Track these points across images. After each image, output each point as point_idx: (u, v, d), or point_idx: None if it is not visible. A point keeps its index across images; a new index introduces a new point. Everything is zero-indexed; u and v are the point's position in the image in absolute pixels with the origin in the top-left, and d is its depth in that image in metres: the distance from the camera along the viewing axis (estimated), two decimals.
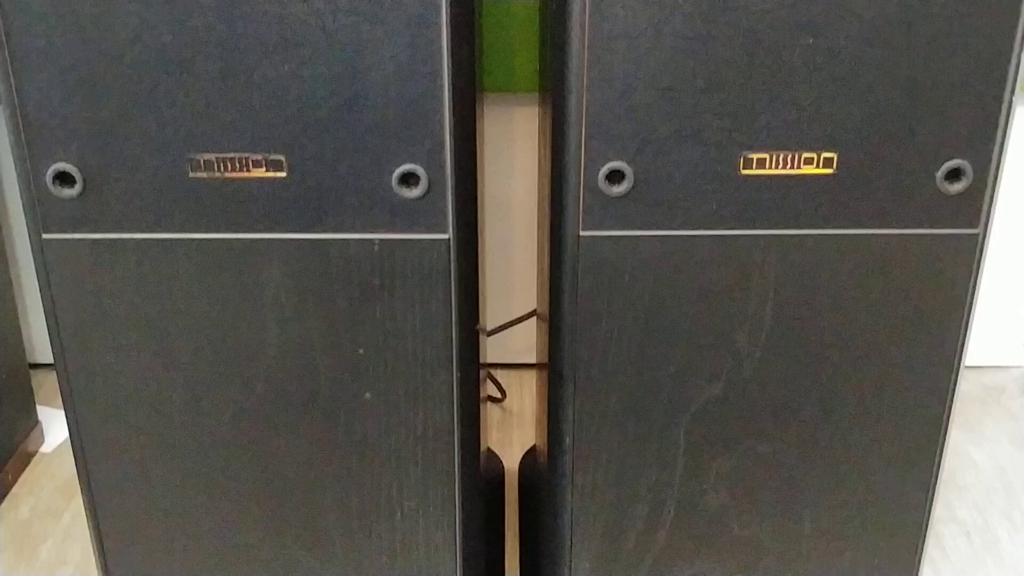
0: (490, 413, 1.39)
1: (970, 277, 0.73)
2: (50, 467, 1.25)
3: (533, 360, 1.43)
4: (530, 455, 1.27)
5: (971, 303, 0.74)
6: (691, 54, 0.66)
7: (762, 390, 0.77)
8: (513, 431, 1.35)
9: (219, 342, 0.74)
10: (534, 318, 1.29)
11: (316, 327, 0.73)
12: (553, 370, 0.78)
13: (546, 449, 0.88)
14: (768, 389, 0.77)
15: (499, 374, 1.43)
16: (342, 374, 0.75)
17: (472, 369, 0.77)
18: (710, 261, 0.72)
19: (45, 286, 0.72)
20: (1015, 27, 0.66)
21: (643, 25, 0.66)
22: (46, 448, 1.29)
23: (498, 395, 1.41)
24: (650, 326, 0.74)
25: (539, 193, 1.01)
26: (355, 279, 0.72)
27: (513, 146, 1.34)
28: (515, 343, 1.44)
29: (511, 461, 1.28)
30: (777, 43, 0.66)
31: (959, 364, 0.76)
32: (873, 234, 0.72)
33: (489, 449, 1.27)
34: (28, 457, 1.26)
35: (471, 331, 0.76)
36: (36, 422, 1.29)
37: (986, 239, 0.72)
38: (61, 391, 0.76)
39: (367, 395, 0.76)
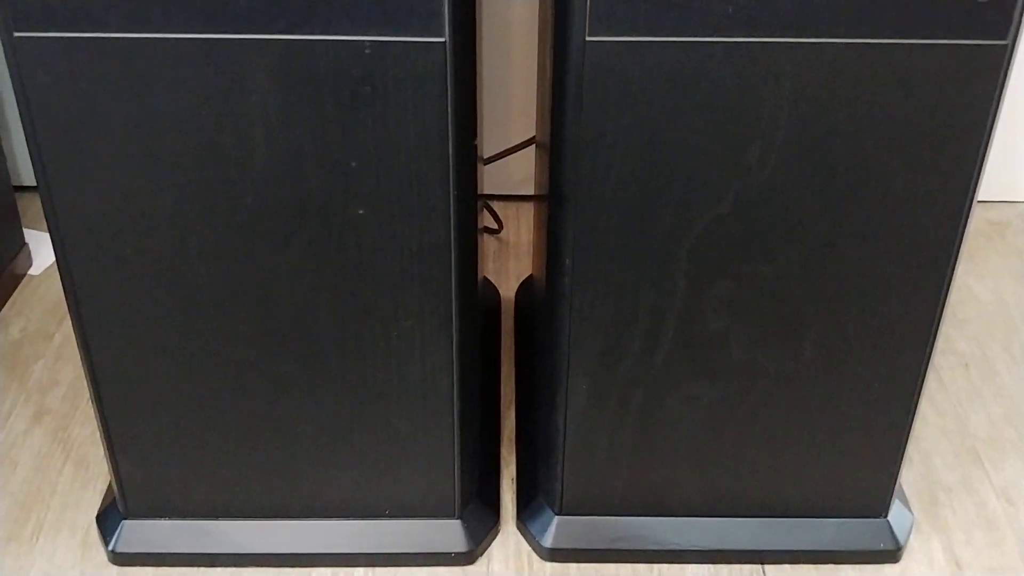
0: (486, 244, 1.37)
1: (994, 92, 0.70)
2: (39, 290, 1.24)
3: (531, 192, 1.40)
4: (527, 284, 1.25)
5: (993, 122, 0.71)
6: None
7: (769, 211, 0.74)
8: (509, 262, 1.33)
9: (204, 150, 0.70)
10: (532, 147, 1.25)
11: (305, 136, 0.70)
12: (553, 190, 0.75)
13: (544, 275, 0.86)
14: (775, 210, 0.74)
15: (496, 205, 1.40)
16: (333, 187, 0.72)
17: (469, 185, 0.74)
18: (723, 71, 0.68)
19: (20, 90, 0.68)
20: None
21: None
22: (34, 271, 1.27)
23: (495, 226, 1.39)
24: (656, 142, 0.71)
25: (540, 4, 0.96)
26: (345, 84, 0.68)
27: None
28: (513, 173, 1.41)
29: (507, 291, 1.27)
30: None
31: (974, 192, 0.74)
32: (896, 43, 0.67)
33: (485, 278, 1.25)
34: (16, 280, 1.24)
35: (468, 145, 0.73)
36: (23, 244, 1.26)
37: (1015, 51, 0.68)
38: (43, 205, 0.73)
39: (360, 211, 0.73)
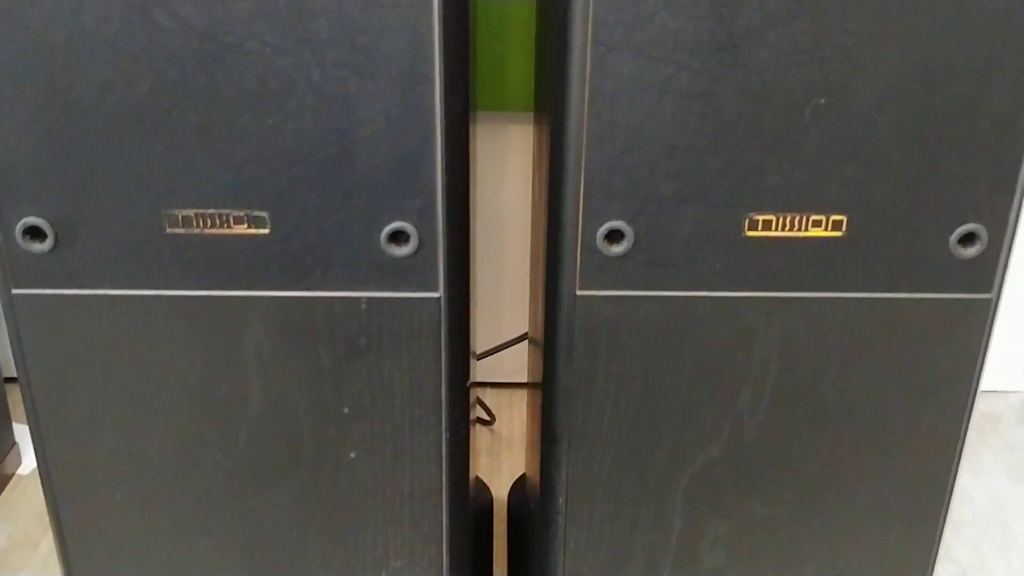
0: (479, 437, 1.36)
1: (981, 341, 0.71)
2: (27, 491, 1.22)
3: (524, 379, 1.40)
4: (520, 485, 1.24)
5: (980, 368, 0.72)
6: (697, 112, 0.63)
7: (763, 452, 0.74)
8: (503, 455, 1.32)
9: (199, 400, 0.71)
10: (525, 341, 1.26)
11: (299, 386, 0.70)
12: (547, 430, 0.75)
13: (538, 482, 0.85)
14: (769, 451, 0.74)
15: (488, 394, 1.40)
16: (326, 432, 0.72)
17: (462, 428, 0.74)
18: (712, 323, 0.69)
19: (16, 342, 0.69)
20: None
21: (647, 82, 0.62)
22: (23, 470, 1.25)
23: (487, 418, 1.38)
24: (649, 387, 0.72)
25: (533, 224, 0.98)
26: (341, 337, 0.69)
27: (506, 161, 1.31)
28: (506, 364, 1.41)
29: (500, 489, 1.25)
30: (787, 102, 0.63)
31: (965, 430, 0.74)
32: (882, 298, 0.69)
33: (478, 478, 1.24)
34: (4, 480, 1.22)
35: (461, 389, 0.73)
36: (13, 443, 1.25)
37: (999, 304, 0.69)
38: (35, 448, 0.73)
39: (352, 454, 0.73)
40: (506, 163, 1.30)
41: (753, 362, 0.71)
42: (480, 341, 1.31)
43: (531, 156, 1.29)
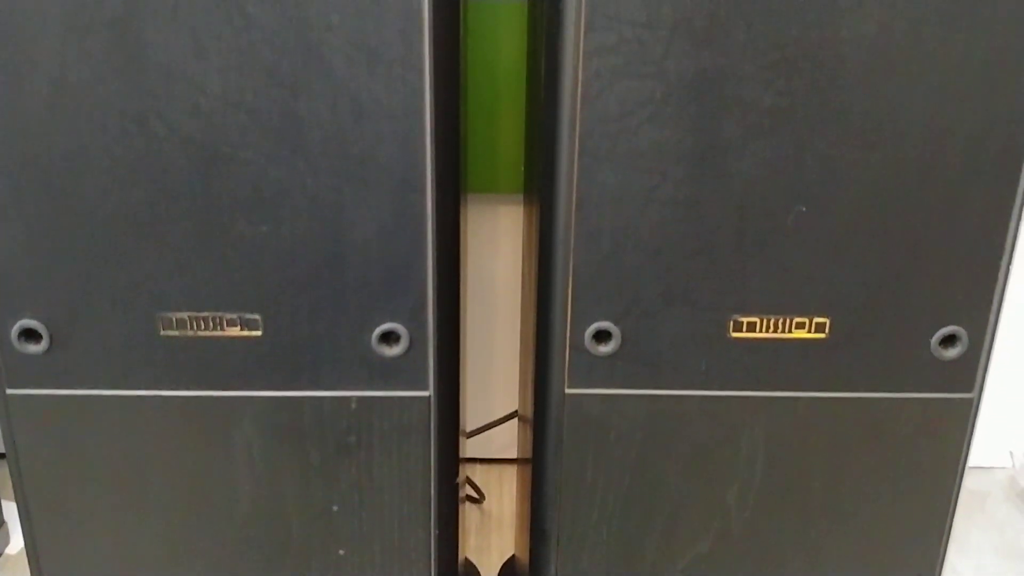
0: (468, 515, 1.36)
1: (964, 439, 0.72)
2: (15, 571, 1.21)
3: (514, 455, 1.40)
4: (509, 568, 1.24)
5: (963, 464, 0.73)
6: (681, 218, 0.65)
7: (751, 547, 0.75)
8: (492, 535, 1.32)
9: (190, 497, 0.71)
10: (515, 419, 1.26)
11: (289, 484, 0.71)
12: (536, 528, 0.75)
13: (527, 566, 0.85)
14: (757, 546, 0.75)
15: (478, 470, 1.40)
16: (316, 529, 0.72)
17: (451, 524, 0.75)
18: (699, 421, 0.70)
19: (9, 441, 0.69)
20: (1012, 194, 0.65)
21: (633, 189, 0.64)
22: (11, 549, 1.24)
23: (476, 496, 1.38)
24: (637, 484, 0.72)
25: (523, 302, 0.99)
26: (331, 436, 0.69)
27: (496, 241, 1.32)
28: (495, 439, 1.42)
29: (490, 569, 1.25)
30: (769, 209, 0.64)
31: (949, 525, 0.75)
32: (866, 397, 0.70)
33: (467, 559, 1.24)
34: None
35: (450, 486, 0.74)
36: (1, 522, 1.24)
37: (980, 403, 0.71)
38: (25, 545, 0.73)
39: (341, 551, 0.73)
40: (497, 240, 1.32)
41: (740, 459, 0.72)
42: (470, 418, 1.32)
43: (521, 235, 1.31)
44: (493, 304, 1.34)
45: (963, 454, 0.72)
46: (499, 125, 1.23)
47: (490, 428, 1.31)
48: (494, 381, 1.38)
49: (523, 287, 0.95)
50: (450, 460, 0.73)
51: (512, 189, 1.24)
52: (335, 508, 0.72)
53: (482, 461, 1.44)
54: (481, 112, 1.21)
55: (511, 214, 1.30)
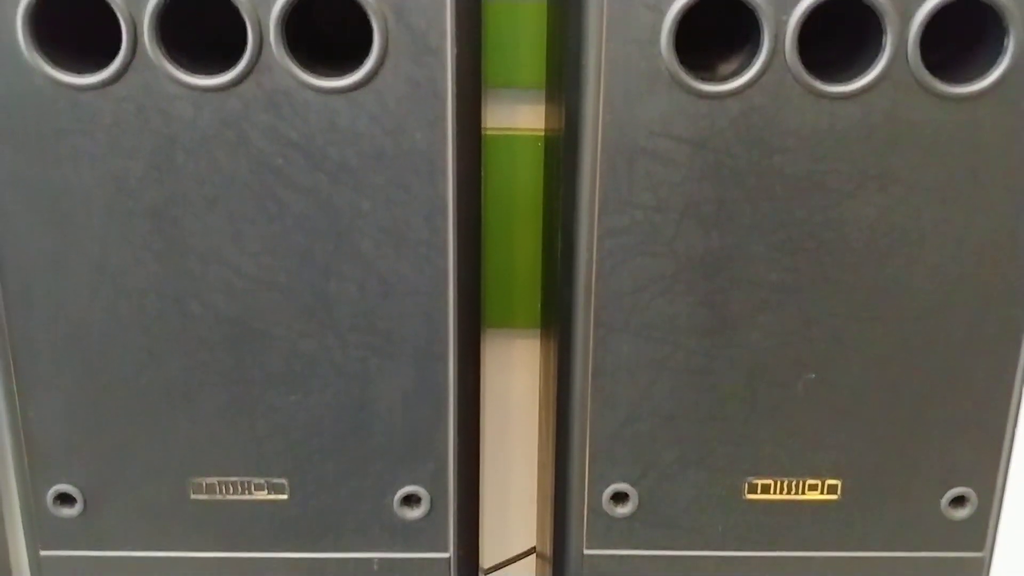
0: None
1: None
2: None
3: None
4: None
5: None
6: (694, 386, 0.67)
7: None
8: None
9: None
10: (532, 556, 1.27)
11: None
12: None
13: None
14: None
15: None
16: None
17: None
18: None
19: None
20: (1014, 362, 0.67)
21: (646, 359, 0.66)
22: None
23: None
24: None
25: (540, 449, 1.00)
26: None
27: (512, 376, 1.35)
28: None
29: None
30: (779, 377, 0.67)
31: None
32: (878, 556, 0.71)
33: None
34: None
35: None
36: None
37: (991, 562, 0.72)
38: None
39: None
40: (512, 376, 1.34)
41: None
42: (487, 553, 1.32)
43: (538, 369, 1.33)
44: (508, 436, 1.36)
45: None
46: (515, 261, 1.26)
47: (508, 564, 1.31)
48: (511, 513, 1.38)
49: (540, 433, 0.97)
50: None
51: (529, 325, 1.27)
52: None
53: None
54: (498, 247, 1.25)
55: (528, 347, 1.33)
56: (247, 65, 0.59)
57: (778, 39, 0.60)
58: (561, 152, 0.66)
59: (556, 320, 0.72)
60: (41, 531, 0.69)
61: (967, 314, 0.65)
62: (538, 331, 1.26)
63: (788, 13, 0.59)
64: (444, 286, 0.64)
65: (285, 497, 0.69)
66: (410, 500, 0.69)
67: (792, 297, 0.65)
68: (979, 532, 0.71)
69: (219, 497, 0.68)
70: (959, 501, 0.70)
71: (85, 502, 0.68)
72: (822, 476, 0.69)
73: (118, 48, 0.59)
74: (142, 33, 0.58)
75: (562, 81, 0.67)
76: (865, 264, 0.64)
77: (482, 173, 0.68)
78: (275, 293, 0.64)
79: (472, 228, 0.65)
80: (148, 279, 0.63)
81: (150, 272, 0.63)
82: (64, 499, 0.68)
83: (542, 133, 0.94)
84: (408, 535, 0.70)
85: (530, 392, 1.36)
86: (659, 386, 0.67)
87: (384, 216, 0.62)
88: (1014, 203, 0.63)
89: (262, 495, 0.68)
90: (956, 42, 0.62)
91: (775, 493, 0.69)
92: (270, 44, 0.59)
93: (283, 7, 0.58)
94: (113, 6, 0.58)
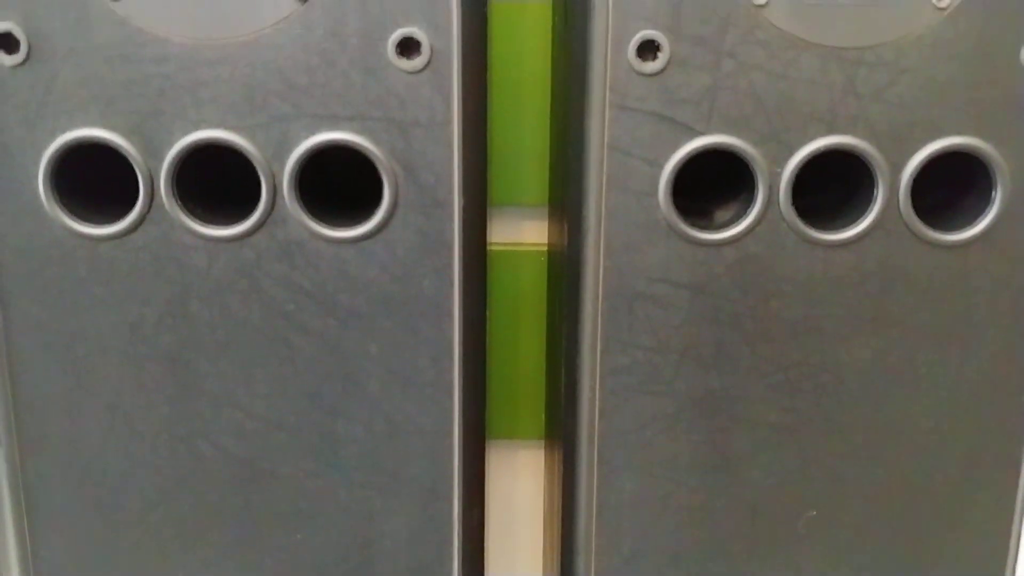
0: None
1: None
2: None
3: None
4: None
5: None
6: (697, 523, 0.68)
7: None
8: None
9: None
10: None
11: None
12: None
13: None
14: None
15: None
16: None
17: None
18: None
19: None
20: (1011, 501, 0.68)
21: (649, 497, 0.67)
22: None
23: None
24: None
25: (544, 560, 1.00)
26: None
27: (516, 485, 1.35)
28: None
29: None
30: (780, 515, 0.68)
31: None
32: None
33: None
34: None
35: None
36: None
37: None
38: None
39: None
40: (517, 486, 1.34)
41: None
42: None
43: (543, 481, 1.33)
44: (514, 548, 1.35)
45: None
46: (519, 371, 1.27)
47: None
48: None
49: (545, 551, 0.97)
50: None
51: (534, 435, 1.27)
52: None
53: None
54: (502, 358, 1.26)
55: (532, 457, 1.33)
56: (261, 216, 0.61)
57: (772, 190, 0.62)
58: (564, 297, 0.68)
59: (560, 447, 0.73)
60: None
61: (964, 452, 0.67)
62: (542, 440, 1.26)
63: (782, 165, 0.61)
64: (449, 426, 0.65)
65: None
66: None
67: (791, 437, 0.66)
68: None
69: None
70: None
71: None
72: None
73: (134, 196, 0.61)
74: (159, 186, 0.61)
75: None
76: (862, 404, 0.65)
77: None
78: (283, 433, 0.65)
79: (478, 368, 0.67)
80: (160, 421, 0.64)
81: (162, 414, 0.64)
82: None
83: (545, 247, 0.96)
84: None
85: (534, 500, 1.36)
86: (663, 523, 0.68)
87: (392, 358, 0.64)
88: (1006, 344, 0.65)
89: None
90: (946, 188, 0.64)
91: None
92: (283, 196, 0.61)
93: (297, 162, 0.60)
94: (131, 160, 0.60)
